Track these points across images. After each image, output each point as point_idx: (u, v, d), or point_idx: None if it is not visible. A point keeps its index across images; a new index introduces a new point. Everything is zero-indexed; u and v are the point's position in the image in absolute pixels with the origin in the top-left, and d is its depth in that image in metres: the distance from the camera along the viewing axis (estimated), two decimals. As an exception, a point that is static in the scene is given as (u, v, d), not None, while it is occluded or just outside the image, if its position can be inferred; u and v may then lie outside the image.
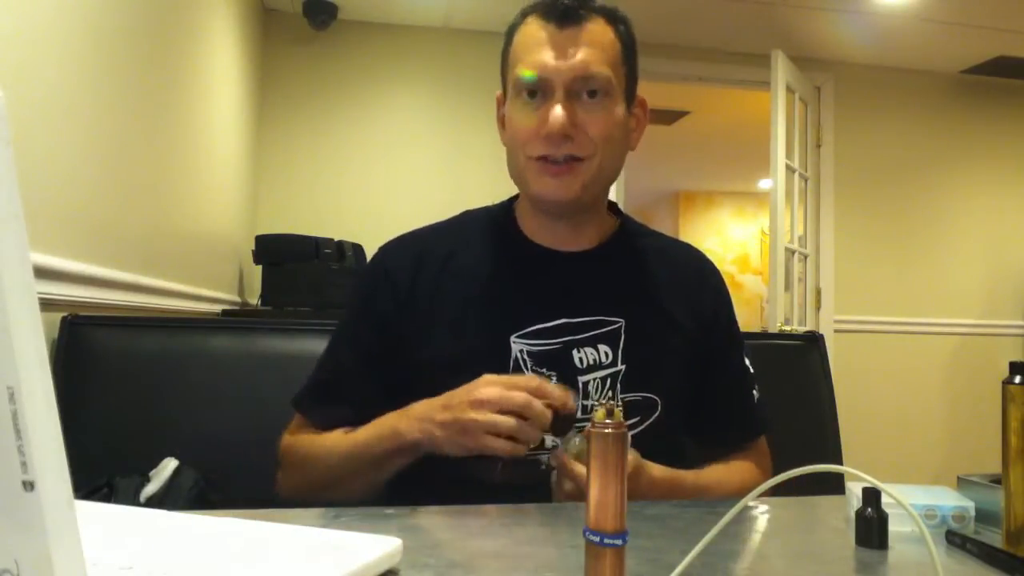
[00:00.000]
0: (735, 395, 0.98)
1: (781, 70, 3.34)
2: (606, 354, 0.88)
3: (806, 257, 3.84)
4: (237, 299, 2.93)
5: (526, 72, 0.85)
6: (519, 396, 0.73)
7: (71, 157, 1.29)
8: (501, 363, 0.87)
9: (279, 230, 3.10)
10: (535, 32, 0.86)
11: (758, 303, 7.42)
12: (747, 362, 1.00)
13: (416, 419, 0.80)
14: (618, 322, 0.90)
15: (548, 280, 0.92)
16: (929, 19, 3.46)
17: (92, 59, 1.38)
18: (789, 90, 3.46)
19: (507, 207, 1.00)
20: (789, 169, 3.48)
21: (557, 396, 0.75)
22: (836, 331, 3.88)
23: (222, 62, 2.60)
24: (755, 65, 3.65)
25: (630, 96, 0.91)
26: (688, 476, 0.89)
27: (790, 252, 3.52)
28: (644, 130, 0.96)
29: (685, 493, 0.85)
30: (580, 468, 0.74)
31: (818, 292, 3.92)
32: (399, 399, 0.87)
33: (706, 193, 7.63)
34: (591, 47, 0.85)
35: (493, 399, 0.74)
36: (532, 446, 0.76)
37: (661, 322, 0.93)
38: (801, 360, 1.36)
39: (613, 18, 0.89)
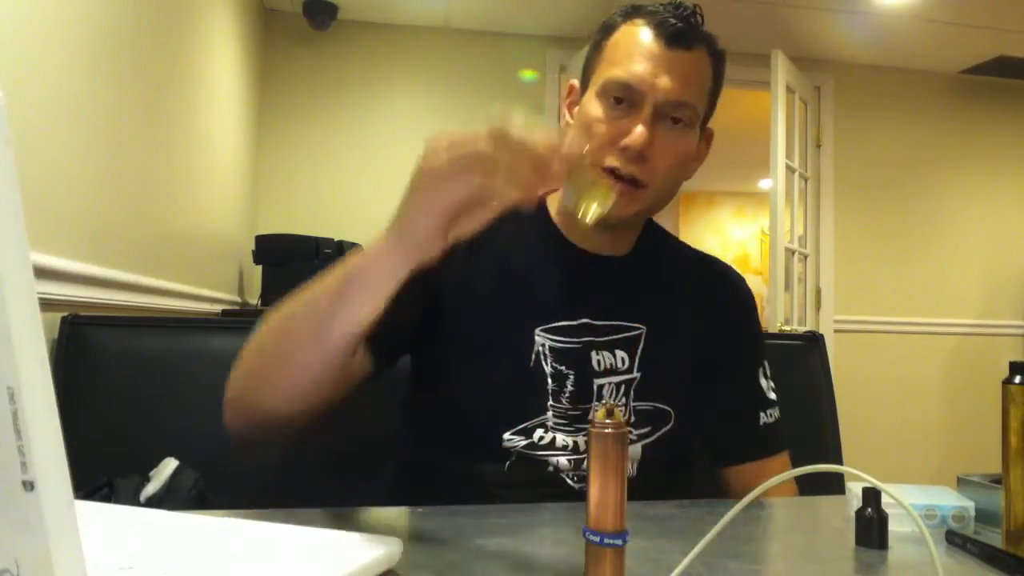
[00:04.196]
0: (742, 412, 0.95)
1: (781, 70, 3.34)
2: (622, 360, 0.88)
3: (806, 257, 3.84)
4: (237, 299, 2.93)
5: (621, 76, 0.83)
6: (467, 141, 0.57)
7: (71, 157, 1.29)
8: (523, 354, 0.86)
9: (279, 230, 3.10)
10: (641, 40, 0.84)
11: (758, 303, 7.41)
12: (764, 383, 0.97)
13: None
14: (639, 328, 0.89)
15: (576, 279, 0.91)
16: (929, 19, 3.46)
17: (92, 59, 1.37)
18: (789, 90, 3.46)
19: (540, 201, 0.96)
20: (789, 169, 3.48)
21: (541, 141, 0.56)
22: (836, 331, 3.89)
23: (222, 62, 2.60)
24: (755, 65, 3.65)
25: (702, 129, 0.90)
26: None
27: (790, 252, 3.52)
28: (703, 161, 0.94)
29: None
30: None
31: (818, 292, 3.92)
32: (424, 376, 0.86)
33: (706, 193, 7.62)
34: (690, 76, 0.84)
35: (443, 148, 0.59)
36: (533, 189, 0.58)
37: (682, 333, 0.92)
38: (801, 360, 1.36)
39: (714, 51, 0.88)
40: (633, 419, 0.88)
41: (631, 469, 0.87)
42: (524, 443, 0.84)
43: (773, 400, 0.97)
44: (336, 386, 0.74)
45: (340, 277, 0.65)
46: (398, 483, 0.96)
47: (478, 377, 0.86)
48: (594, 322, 0.88)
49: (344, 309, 0.64)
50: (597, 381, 0.87)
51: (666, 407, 0.89)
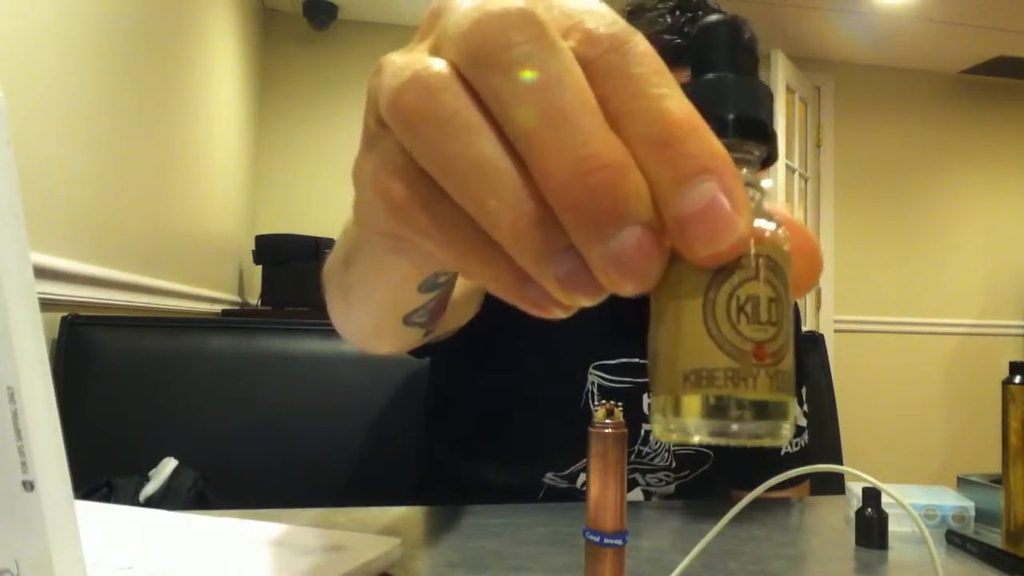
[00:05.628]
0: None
1: (781, 70, 3.34)
2: None
3: (806, 257, 3.84)
4: (237, 299, 2.93)
5: None
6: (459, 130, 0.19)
7: (71, 157, 1.29)
8: (575, 394, 0.81)
9: (279, 230, 3.10)
10: None
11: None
12: (796, 410, 0.93)
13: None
14: None
15: (632, 312, 0.81)
16: (929, 19, 3.46)
17: (92, 59, 1.37)
18: (789, 90, 3.46)
19: None
20: (789, 169, 3.48)
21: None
22: (836, 331, 3.89)
23: (222, 62, 2.60)
24: (755, 65, 3.65)
25: None
26: None
27: (790, 252, 3.52)
28: (767, 172, 0.86)
29: None
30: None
31: (818, 292, 3.92)
32: (459, 392, 0.83)
33: (706, 193, 7.63)
34: None
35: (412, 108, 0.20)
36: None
37: None
38: (801, 360, 1.36)
39: None
40: (674, 464, 0.84)
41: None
42: (565, 486, 0.81)
43: (802, 428, 0.92)
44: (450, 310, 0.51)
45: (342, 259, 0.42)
46: (422, 487, 0.94)
47: (524, 419, 0.81)
48: (642, 361, 0.80)
49: (362, 266, 0.39)
50: (645, 426, 0.82)
51: (706, 450, 0.85)
